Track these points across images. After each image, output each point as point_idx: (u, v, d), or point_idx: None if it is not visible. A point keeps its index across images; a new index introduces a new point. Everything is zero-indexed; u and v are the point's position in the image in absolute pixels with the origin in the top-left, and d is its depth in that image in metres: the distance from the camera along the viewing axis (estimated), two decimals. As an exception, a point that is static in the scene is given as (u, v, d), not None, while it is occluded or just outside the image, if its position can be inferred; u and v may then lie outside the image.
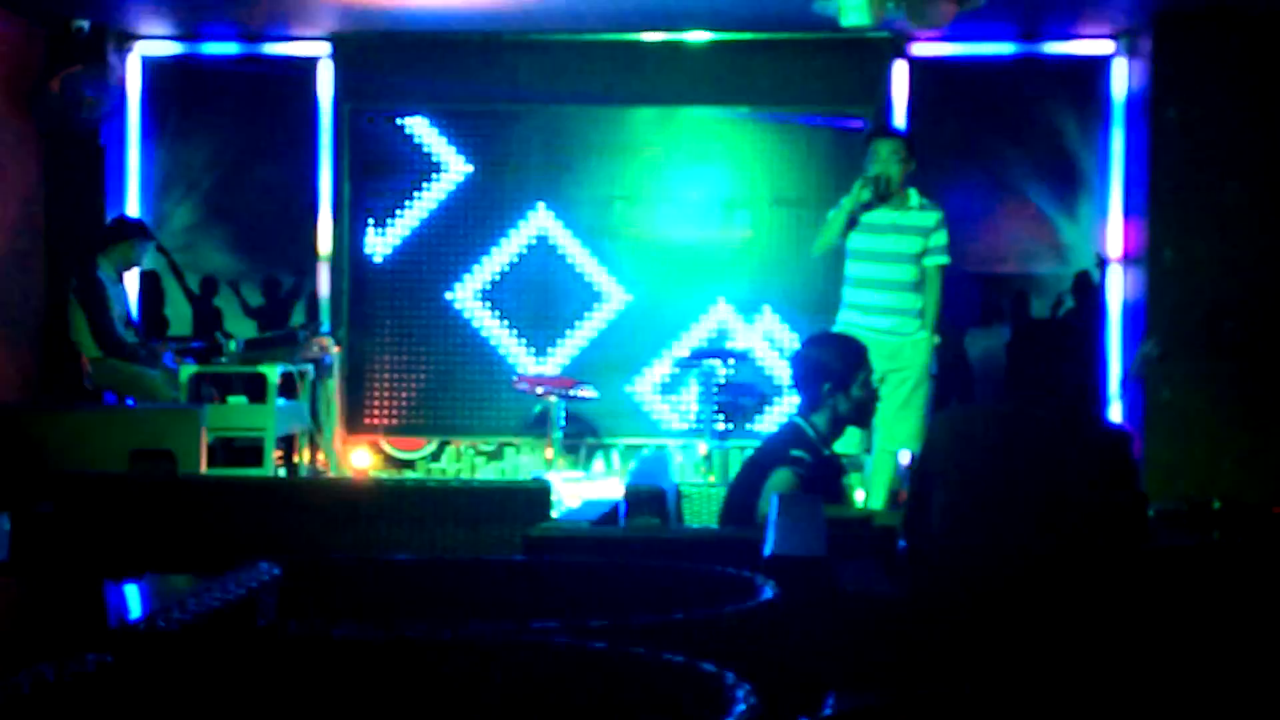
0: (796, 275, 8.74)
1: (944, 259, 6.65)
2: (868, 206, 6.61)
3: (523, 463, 9.01)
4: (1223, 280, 8.11)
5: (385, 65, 8.95)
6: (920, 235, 6.66)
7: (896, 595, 3.28)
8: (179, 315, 9.22)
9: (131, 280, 8.56)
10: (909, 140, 6.84)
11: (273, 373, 7.75)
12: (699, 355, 8.53)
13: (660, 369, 8.93)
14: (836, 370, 4.83)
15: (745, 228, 8.94)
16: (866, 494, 6.59)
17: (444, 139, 8.98)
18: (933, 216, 6.65)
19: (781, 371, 8.71)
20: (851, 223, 6.62)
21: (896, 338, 6.57)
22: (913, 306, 6.64)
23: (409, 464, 9.11)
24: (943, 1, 6.73)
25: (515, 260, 8.98)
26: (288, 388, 8.00)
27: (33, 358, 8.64)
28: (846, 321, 6.60)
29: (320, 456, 8.34)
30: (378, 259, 8.99)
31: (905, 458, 6.58)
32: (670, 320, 8.93)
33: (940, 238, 6.64)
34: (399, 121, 8.98)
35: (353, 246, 9.00)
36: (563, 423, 8.36)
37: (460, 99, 8.95)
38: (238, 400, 7.84)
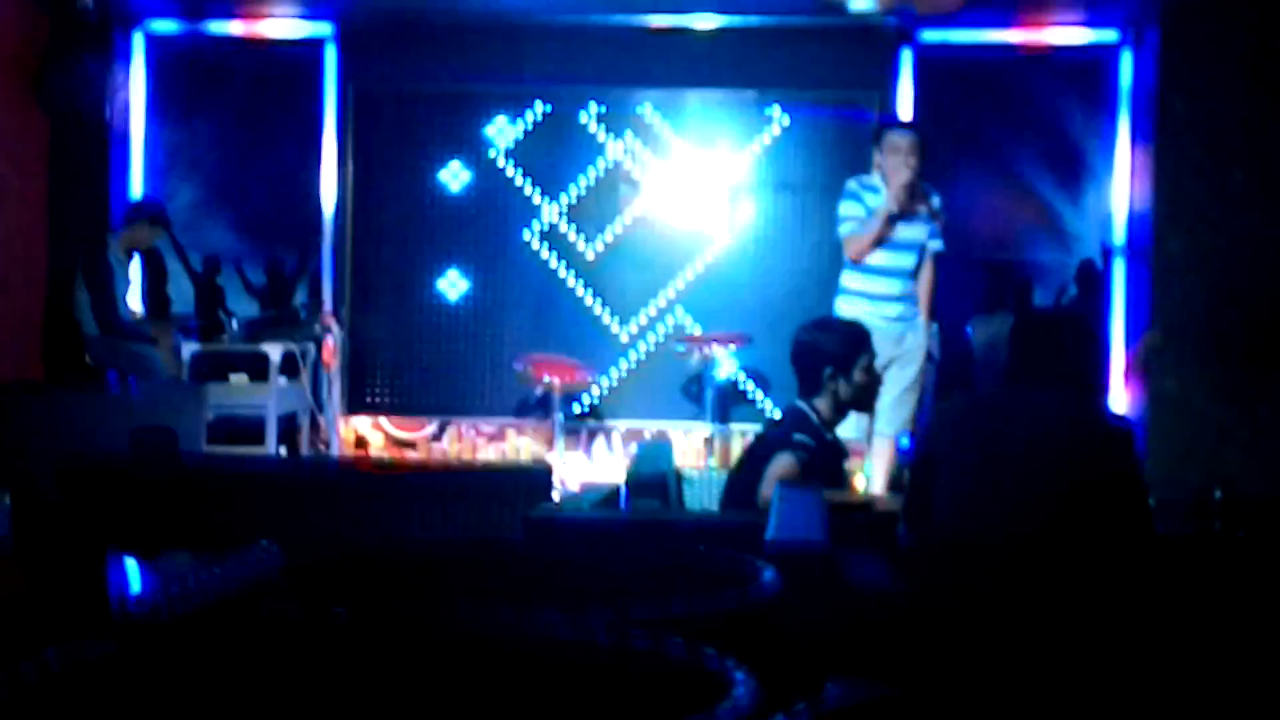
0: (800, 261, 8.76)
1: (941, 244, 6.61)
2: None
3: (524, 445, 9.01)
4: (1227, 271, 8.09)
5: (390, 47, 8.93)
6: (925, 221, 6.65)
7: (897, 583, 3.29)
8: (181, 294, 9.22)
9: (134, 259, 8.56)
10: (924, 137, 6.69)
11: (274, 352, 7.76)
12: (701, 340, 8.52)
13: (663, 352, 8.91)
14: (838, 355, 4.84)
15: (748, 213, 8.92)
16: (867, 478, 6.60)
17: (449, 122, 8.95)
18: (935, 199, 6.60)
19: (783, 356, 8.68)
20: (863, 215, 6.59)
21: (902, 324, 6.56)
22: (915, 293, 6.64)
23: (410, 444, 9.11)
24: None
25: (518, 246, 8.96)
26: (289, 367, 8.01)
27: (35, 337, 8.62)
28: (852, 310, 6.56)
29: (321, 436, 8.35)
30: (381, 239, 8.98)
31: (904, 442, 6.61)
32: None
33: (938, 222, 6.61)
34: (402, 104, 8.96)
35: (355, 226, 8.98)
36: (564, 405, 8.36)
37: (464, 82, 8.92)
38: (239, 379, 7.84)
